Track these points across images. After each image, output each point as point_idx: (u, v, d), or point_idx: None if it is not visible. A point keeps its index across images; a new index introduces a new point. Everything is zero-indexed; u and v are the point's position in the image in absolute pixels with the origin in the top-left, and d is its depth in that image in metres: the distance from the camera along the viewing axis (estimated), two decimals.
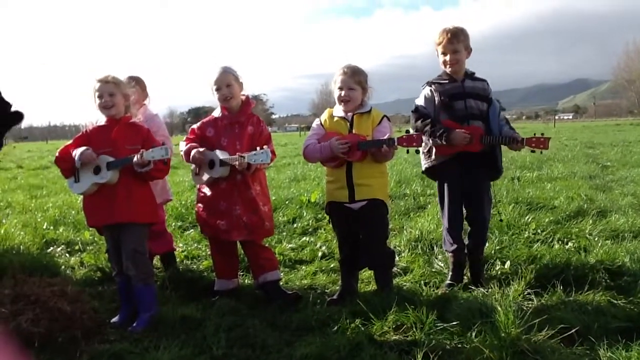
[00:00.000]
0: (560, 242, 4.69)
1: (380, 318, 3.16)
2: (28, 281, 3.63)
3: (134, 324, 3.40)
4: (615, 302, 3.32)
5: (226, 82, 3.76)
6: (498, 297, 3.36)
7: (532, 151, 3.81)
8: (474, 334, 2.91)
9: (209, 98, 3.90)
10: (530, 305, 3.29)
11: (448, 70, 3.85)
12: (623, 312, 3.16)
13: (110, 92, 3.47)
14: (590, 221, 5.24)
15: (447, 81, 3.85)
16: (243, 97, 3.88)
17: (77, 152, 3.44)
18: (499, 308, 3.00)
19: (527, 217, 5.47)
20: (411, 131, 3.68)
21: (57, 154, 3.56)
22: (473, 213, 3.90)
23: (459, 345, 2.89)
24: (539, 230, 5.04)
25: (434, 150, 3.84)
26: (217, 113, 3.89)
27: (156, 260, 4.66)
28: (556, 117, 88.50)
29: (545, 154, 3.92)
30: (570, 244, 4.60)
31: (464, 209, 3.97)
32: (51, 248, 5.35)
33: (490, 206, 3.99)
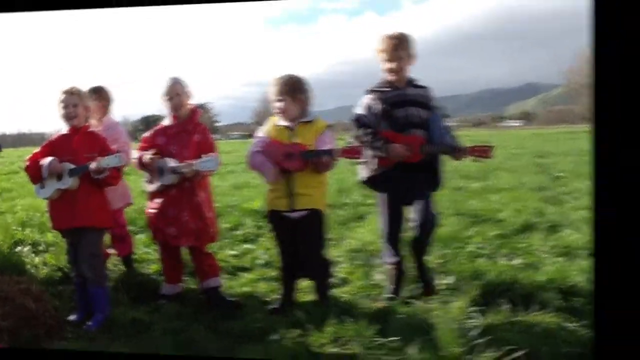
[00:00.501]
0: (506, 257, 4.51)
1: (318, 329, 3.12)
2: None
3: (89, 323, 3.56)
4: (567, 325, 3.14)
5: (175, 91, 3.87)
6: (440, 313, 3.27)
7: (475, 160, 3.69)
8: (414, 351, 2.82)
9: (159, 107, 4.00)
10: (474, 324, 3.10)
11: (390, 77, 3.73)
12: (574, 336, 2.99)
13: (74, 103, 3.66)
14: (540, 236, 5.08)
15: (388, 89, 3.70)
16: (191, 107, 3.97)
17: (45, 163, 3.60)
18: (441, 325, 2.96)
19: (471, 230, 5.28)
20: (353, 142, 3.60)
21: (27, 163, 3.73)
22: (418, 211, 3.68)
23: None
24: (483, 245, 4.87)
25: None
26: (166, 122, 3.98)
27: (109, 263, 4.66)
28: (504, 124, 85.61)
29: (491, 163, 3.84)
30: (517, 260, 4.42)
31: (407, 214, 3.81)
32: (19, 247, 5.37)
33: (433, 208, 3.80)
